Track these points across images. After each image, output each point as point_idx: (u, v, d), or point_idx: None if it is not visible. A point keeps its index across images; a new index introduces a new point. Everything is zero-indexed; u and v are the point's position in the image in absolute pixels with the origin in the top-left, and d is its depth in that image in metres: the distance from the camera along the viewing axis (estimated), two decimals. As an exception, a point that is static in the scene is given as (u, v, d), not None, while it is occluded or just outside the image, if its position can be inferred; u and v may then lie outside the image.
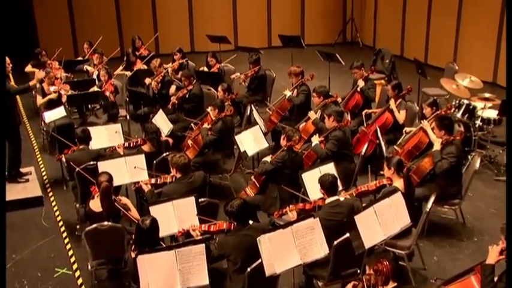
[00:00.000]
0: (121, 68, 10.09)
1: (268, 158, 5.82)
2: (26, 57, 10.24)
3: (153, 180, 5.53)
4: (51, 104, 7.88)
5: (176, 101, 8.03)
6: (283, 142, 5.83)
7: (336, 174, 5.14)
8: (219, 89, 7.65)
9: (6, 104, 6.72)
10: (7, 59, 6.75)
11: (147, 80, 8.78)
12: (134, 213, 5.06)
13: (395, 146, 6.55)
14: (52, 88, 8.07)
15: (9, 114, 6.82)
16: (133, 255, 4.13)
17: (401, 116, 7.11)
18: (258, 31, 14.77)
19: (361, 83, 7.65)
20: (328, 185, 4.82)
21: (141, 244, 4.19)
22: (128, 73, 9.47)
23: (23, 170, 7.25)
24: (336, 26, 15.26)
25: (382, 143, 6.37)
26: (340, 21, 15.34)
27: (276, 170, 5.69)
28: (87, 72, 9.77)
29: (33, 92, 8.98)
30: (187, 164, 5.38)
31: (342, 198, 4.90)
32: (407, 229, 4.79)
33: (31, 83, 7.19)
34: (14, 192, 6.91)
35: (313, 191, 5.25)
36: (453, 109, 7.38)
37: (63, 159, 6.25)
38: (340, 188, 5.29)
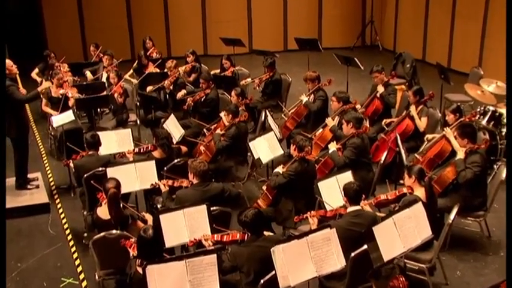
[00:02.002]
0: (131, 71, 10.18)
1: (280, 169, 5.79)
2: (34, 59, 10.37)
3: (170, 182, 5.57)
4: (58, 108, 7.96)
5: (192, 103, 8.08)
6: (293, 152, 5.78)
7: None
8: (233, 93, 7.68)
9: (17, 113, 6.81)
10: (10, 62, 6.81)
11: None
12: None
13: (416, 154, 6.52)
14: (60, 91, 8.16)
15: (19, 123, 6.90)
16: (139, 269, 4.13)
17: (422, 123, 7.08)
18: (273, 34, 14.80)
19: (380, 89, 7.63)
20: (352, 193, 4.81)
21: (145, 255, 4.18)
22: (135, 81, 9.53)
23: (29, 175, 7.30)
24: (355, 29, 15.24)
25: (402, 151, 6.34)
26: (359, 24, 15.32)
27: (289, 182, 5.66)
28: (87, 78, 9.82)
29: (40, 95, 9.10)
30: (206, 171, 5.38)
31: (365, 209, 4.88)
32: (428, 241, 4.76)
33: (39, 89, 7.24)
34: (20, 198, 6.98)
35: (330, 200, 5.25)
36: (478, 116, 7.33)
37: (71, 165, 6.30)
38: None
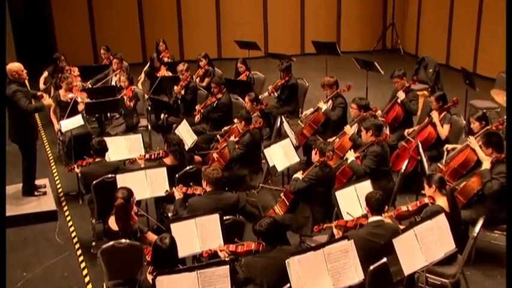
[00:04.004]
0: (142, 75, 10.25)
1: (299, 175, 5.82)
2: (43, 62, 10.49)
3: (184, 189, 5.61)
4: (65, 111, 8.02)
5: (202, 110, 8.12)
6: (315, 157, 5.82)
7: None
8: (246, 99, 7.70)
9: (24, 119, 6.86)
10: (21, 66, 6.84)
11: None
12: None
13: (439, 164, 6.47)
14: (69, 95, 8.23)
15: (26, 130, 6.94)
16: (149, 277, 4.16)
17: (444, 130, 7.00)
18: (290, 37, 14.83)
19: (401, 95, 7.58)
20: (374, 203, 4.80)
21: (159, 265, 4.21)
22: (145, 95, 9.58)
23: (36, 182, 7.36)
24: (375, 32, 15.22)
25: (424, 160, 6.30)
26: (380, 27, 15.30)
27: (308, 187, 5.69)
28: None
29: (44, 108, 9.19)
30: (220, 179, 5.41)
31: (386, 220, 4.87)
32: (452, 255, 4.72)
33: (45, 103, 7.21)
34: (27, 205, 7.04)
35: (348, 210, 5.23)
36: (505, 124, 7.26)
37: (77, 170, 6.34)
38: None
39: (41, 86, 10.08)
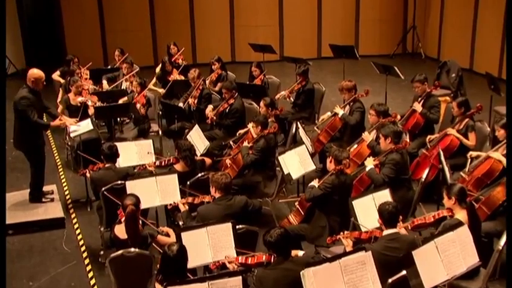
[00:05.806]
0: (154, 79, 10.31)
1: (315, 183, 5.80)
2: (52, 64, 10.58)
3: (190, 199, 5.61)
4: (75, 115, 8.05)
5: (215, 117, 8.13)
6: (330, 165, 5.79)
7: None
8: (262, 104, 7.70)
9: (27, 125, 6.85)
10: (43, 75, 6.84)
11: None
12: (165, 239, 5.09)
13: (461, 173, 6.41)
14: (79, 99, 8.30)
15: (29, 137, 6.95)
16: (158, 286, 4.16)
17: (470, 141, 6.85)
18: (306, 40, 14.85)
19: (418, 107, 7.49)
20: (387, 215, 4.76)
21: (168, 274, 4.22)
22: (162, 90, 9.64)
23: (44, 188, 7.40)
24: (395, 35, 15.18)
25: (446, 169, 6.24)
26: (400, 30, 15.26)
27: (325, 196, 5.67)
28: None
29: (57, 102, 9.29)
30: (229, 184, 5.41)
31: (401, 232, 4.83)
32: (474, 269, 4.67)
33: (52, 124, 7.20)
34: (34, 212, 7.08)
35: (366, 221, 5.21)
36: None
37: (88, 175, 6.38)
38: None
39: (62, 81, 10.09)
